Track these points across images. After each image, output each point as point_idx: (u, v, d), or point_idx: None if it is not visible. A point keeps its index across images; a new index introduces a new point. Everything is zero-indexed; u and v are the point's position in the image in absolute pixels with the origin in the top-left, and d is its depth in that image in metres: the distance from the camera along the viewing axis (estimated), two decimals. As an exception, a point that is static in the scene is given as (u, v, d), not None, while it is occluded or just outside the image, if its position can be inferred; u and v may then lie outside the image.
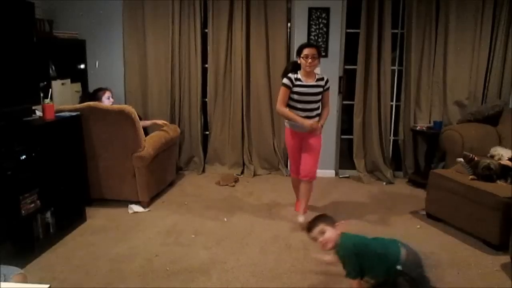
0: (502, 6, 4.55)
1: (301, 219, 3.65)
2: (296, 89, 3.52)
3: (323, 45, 4.84)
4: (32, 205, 3.05)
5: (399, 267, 2.28)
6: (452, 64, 4.77)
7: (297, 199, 4.01)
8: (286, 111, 3.58)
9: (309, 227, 2.48)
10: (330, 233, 2.39)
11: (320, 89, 3.59)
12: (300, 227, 3.53)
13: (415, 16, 4.71)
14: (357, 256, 2.33)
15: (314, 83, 3.55)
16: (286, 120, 3.67)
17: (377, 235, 3.48)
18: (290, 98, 3.56)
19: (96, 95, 4.30)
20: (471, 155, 3.63)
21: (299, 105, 3.55)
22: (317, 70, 3.68)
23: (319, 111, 3.67)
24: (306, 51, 3.44)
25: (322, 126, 3.68)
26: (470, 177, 3.53)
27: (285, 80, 3.53)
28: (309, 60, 3.42)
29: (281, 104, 3.58)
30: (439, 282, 2.82)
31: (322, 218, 2.52)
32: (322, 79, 3.60)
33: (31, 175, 3.05)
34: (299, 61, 3.51)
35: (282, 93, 3.57)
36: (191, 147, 5.28)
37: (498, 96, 4.73)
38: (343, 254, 2.37)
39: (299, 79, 3.52)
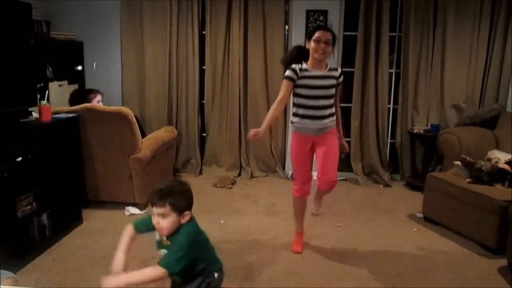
0: (500, 9, 4.56)
1: (315, 208, 3.24)
2: (302, 81, 2.84)
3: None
4: (28, 207, 3.03)
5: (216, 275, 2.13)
6: (450, 68, 4.78)
7: (299, 231, 3.30)
8: (275, 109, 2.88)
9: (154, 200, 1.95)
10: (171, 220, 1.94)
11: (333, 81, 2.91)
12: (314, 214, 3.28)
13: (412, 19, 4.71)
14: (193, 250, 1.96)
15: (325, 73, 2.88)
16: (292, 123, 3.02)
17: (374, 238, 3.52)
18: (297, 94, 2.90)
19: (86, 97, 4.27)
20: (468, 158, 3.63)
21: (309, 102, 2.87)
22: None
23: (333, 110, 2.98)
24: (318, 34, 2.78)
25: (342, 139, 3.12)
26: (467, 180, 3.53)
27: (287, 72, 2.86)
28: (322, 45, 2.76)
29: (278, 101, 2.87)
30: (436, 285, 2.82)
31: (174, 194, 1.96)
32: (335, 69, 2.95)
33: (27, 177, 3.04)
34: (307, 46, 2.85)
35: (283, 87, 2.89)
36: (188, 149, 5.27)
37: (495, 100, 4.74)
38: (180, 242, 1.93)
39: (305, 69, 2.85)
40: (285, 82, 2.88)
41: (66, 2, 4.94)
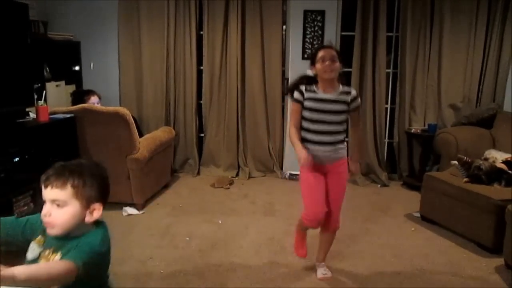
0: (496, 9, 4.58)
1: (323, 272, 2.91)
2: (308, 103, 2.62)
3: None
4: (26, 207, 3.03)
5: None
6: (447, 67, 4.79)
7: (303, 237, 3.00)
8: (292, 135, 2.68)
9: (50, 177, 1.35)
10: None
11: (344, 107, 2.63)
12: (324, 279, 2.88)
13: (410, 19, 4.72)
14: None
15: (334, 97, 2.62)
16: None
17: (371, 237, 3.52)
18: (302, 117, 2.68)
19: (82, 99, 4.26)
20: (465, 158, 3.65)
21: (313, 126, 2.63)
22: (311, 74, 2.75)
23: (342, 137, 2.70)
24: (322, 53, 2.60)
25: (359, 164, 2.86)
26: (464, 179, 3.54)
27: (295, 94, 2.66)
28: (328, 63, 2.56)
29: (291, 125, 2.71)
30: (433, 284, 2.83)
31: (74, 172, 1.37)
32: (348, 92, 2.66)
33: (24, 177, 3.03)
34: (313, 71, 2.65)
35: (292, 111, 2.72)
36: (186, 149, 5.26)
37: (492, 99, 4.76)
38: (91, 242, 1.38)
39: (313, 90, 2.63)
40: (293, 105, 2.71)
41: (63, 2, 4.93)
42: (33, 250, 1.42)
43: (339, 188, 2.73)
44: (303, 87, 2.65)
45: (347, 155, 2.80)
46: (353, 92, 2.69)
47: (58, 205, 1.33)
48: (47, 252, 1.38)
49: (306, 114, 2.64)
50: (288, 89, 2.79)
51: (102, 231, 1.47)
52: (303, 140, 2.67)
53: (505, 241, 2.97)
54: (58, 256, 1.34)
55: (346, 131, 2.73)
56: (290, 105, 2.71)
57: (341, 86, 2.68)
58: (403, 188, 4.87)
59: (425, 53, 4.83)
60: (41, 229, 1.41)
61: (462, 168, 3.62)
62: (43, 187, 1.34)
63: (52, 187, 1.32)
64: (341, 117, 2.65)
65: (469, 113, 4.62)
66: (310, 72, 2.69)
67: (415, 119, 4.98)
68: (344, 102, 2.63)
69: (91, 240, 1.37)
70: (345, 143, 2.74)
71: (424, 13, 4.73)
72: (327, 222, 2.74)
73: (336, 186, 2.71)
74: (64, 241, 1.36)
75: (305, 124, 2.66)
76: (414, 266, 3.06)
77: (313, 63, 2.64)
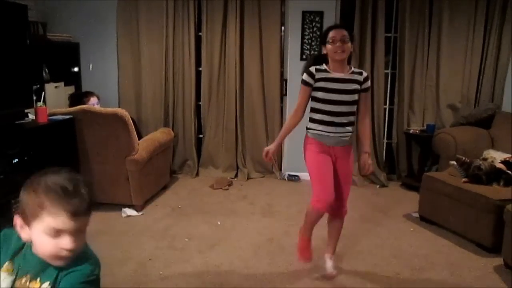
0: (494, 9, 4.60)
1: (331, 267, 2.87)
2: (320, 84, 2.56)
3: (316, 49, 4.85)
4: (24, 209, 3.02)
5: None
6: (445, 68, 4.80)
7: (308, 238, 2.84)
8: (286, 123, 2.75)
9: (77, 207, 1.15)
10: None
11: (357, 86, 2.60)
12: (329, 277, 2.86)
13: (408, 20, 4.73)
14: None
15: (347, 76, 2.59)
16: (309, 129, 2.69)
17: (370, 237, 3.53)
18: (314, 98, 2.61)
19: (80, 101, 4.26)
20: (464, 158, 3.65)
21: (325, 107, 2.57)
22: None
23: (353, 118, 2.66)
24: (332, 33, 2.53)
25: (369, 155, 2.75)
26: (463, 180, 3.54)
27: (304, 76, 2.61)
28: (339, 44, 2.49)
29: (297, 106, 2.68)
30: (433, 284, 2.83)
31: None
32: (360, 73, 2.65)
33: (23, 178, 3.02)
34: (324, 51, 2.61)
35: (300, 94, 2.66)
36: (185, 150, 5.26)
37: (491, 100, 4.77)
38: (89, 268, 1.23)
39: (324, 70, 2.58)
40: (302, 88, 2.63)
41: (62, 4, 4.93)
42: (4, 280, 1.20)
43: (347, 172, 2.71)
44: (313, 69, 2.59)
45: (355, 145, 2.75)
46: (365, 73, 2.66)
47: (78, 233, 1.17)
48: (23, 280, 1.19)
49: (319, 94, 2.58)
50: (303, 70, 2.69)
51: (91, 252, 1.29)
52: (315, 121, 2.63)
53: (504, 240, 2.98)
54: (38, 283, 1.18)
55: (354, 115, 2.68)
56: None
57: (352, 67, 2.66)
58: (402, 188, 4.88)
59: (423, 53, 4.84)
60: (12, 252, 1.23)
61: (461, 168, 3.63)
62: (66, 217, 1.12)
63: (80, 216, 1.15)
64: (354, 97, 2.60)
65: (467, 113, 4.63)
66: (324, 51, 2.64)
67: (414, 120, 4.98)
68: (356, 81, 2.60)
69: (86, 265, 1.22)
70: (354, 126, 2.69)
71: (422, 13, 4.74)
72: (336, 207, 2.72)
73: (344, 170, 2.69)
74: (42, 265, 1.18)
75: (317, 105, 2.60)
76: (413, 266, 3.06)
77: (323, 43, 2.60)
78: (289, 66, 4.96)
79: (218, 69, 5.05)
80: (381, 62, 4.85)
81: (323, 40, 2.61)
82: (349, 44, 2.54)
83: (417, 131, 4.84)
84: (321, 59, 2.65)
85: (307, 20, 4.84)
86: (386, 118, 5.15)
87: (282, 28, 5.01)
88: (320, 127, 2.61)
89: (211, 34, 4.97)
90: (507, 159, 3.66)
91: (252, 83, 5.04)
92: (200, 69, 5.10)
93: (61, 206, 1.12)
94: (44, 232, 1.13)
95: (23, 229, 1.18)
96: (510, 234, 2.91)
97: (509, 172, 3.49)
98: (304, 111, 2.70)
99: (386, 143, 5.21)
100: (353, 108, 2.63)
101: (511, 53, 4.67)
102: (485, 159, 3.77)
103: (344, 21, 4.84)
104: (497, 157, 3.75)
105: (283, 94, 5.09)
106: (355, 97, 2.61)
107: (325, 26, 4.78)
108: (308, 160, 2.68)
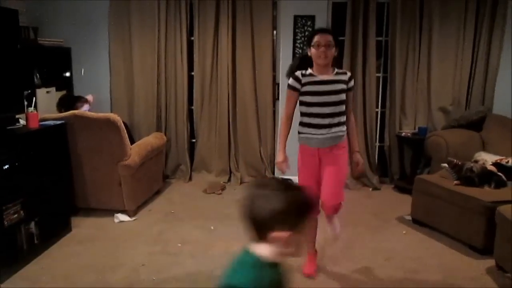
0: (484, 13, 4.64)
1: (332, 229, 2.94)
2: (307, 88, 2.64)
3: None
4: (16, 215, 3.00)
5: None
6: (436, 71, 4.84)
7: (309, 252, 2.97)
8: (282, 131, 2.77)
9: None
10: None
11: (343, 86, 2.66)
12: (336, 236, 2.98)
13: (399, 23, 4.76)
14: None
15: (332, 77, 2.66)
16: (299, 133, 2.76)
17: (363, 240, 3.53)
18: (302, 102, 2.69)
19: (74, 105, 4.24)
20: (455, 160, 3.68)
21: (314, 110, 2.64)
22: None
23: (343, 118, 2.71)
24: (317, 38, 2.58)
25: (360, 154, 2.85)
26: (455, 182, 3.57)
27: (290, 81, 2.69)
28: (322, 49, 2.55)
29: (285, 115, 2.76)
30: (426, 286, 2.85)
31: None
32: (344, 72, 2.72)
33: (14, 185, 3.01)
34: (309, 53, 2.66)
35: (286, 100, 2.73)
36: (178, 155, 5.25)
37: (481, 102, 4.81)
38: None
39: (310, 74, 2.66)
40: (288, 93, 2.70)
41: (53, 9, 4.91)
42: None
43: (338, 170, 2.70)
44: (299, 73, 2.65)
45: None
46: (348, 73, 2.74)
47: None
48: None
49: (307, 98, 2.65)
50: (287, 73, 2.77)
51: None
52: (306, 125, 2.69)
53: (495, 242, 3.00)
54: None
55: (343, 114, 2.71)
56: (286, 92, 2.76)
57: (336, 69, 2.71)
58: (395, 191, 4.90)
59: (414, 57, 4.88)
60: None
61: (453, 170, 3.65)
62: None
63: None
64: (341, 97, 2.65)
65: (459, 116, 4.67)
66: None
67: (406, 123, 5.01)
68: (342, 81, 2.67)
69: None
70: (344, 125, 2.73)
71: (413, 17, 4.78)
72: (329, 207, 2.75)
73: (331, 163, 2.68)
74: None
75: (305, 109, 2.67)
76: (406, 268, 3.07)
77: (309, 45, 2.65)
78: (281, 70, 4.97)
79: (210, 74, 5.05)
80: (372, 66, 4.88)
81: (308, 42, 2.66)
82: (333, 50, 2.60)
83: (409, 134, 4.87)
84: (307, 60, 2.69)
85: (299, 24, 4.86)
86: (378, 121, 5.17)
87: (274, 32, 5.02)
88: (310, 130, 2.67)
89: (203, 39, 4.97)
90: (498, 161, 3.70)
91: (244, 87, 5.04)
92: (193, 73, 5.10)
93: None
94: None
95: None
96: (502, 235, 2.93)
97: (500, 174, 3.53)
98: (293, 116, 2.76)
99: (379, 146, 5.24)
100: (342, 108, 2.67)
101: (501, 56, 4.71)
102: (476, 162, 3.80)
103: (336, 25, 4.88)
104: (488, 159, 3.79)
105: (275, 98, 5.10)
106: (343, 97, 2.66)
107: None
108: (298, 166, 2.81)
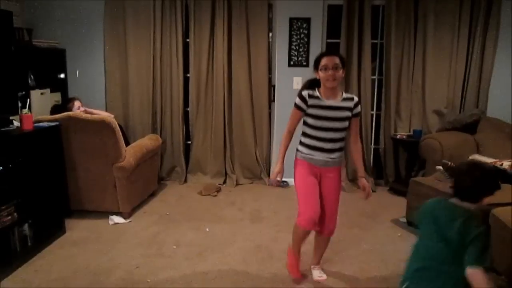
0: (478, 16, 4.68)
1: (318, 274, 2.97)
2: (312, 110, 2.63)
3: (304, 55, 4.88)
4: (9, 217, 2.99)
5: None
6: (431, 74, 4.86)
7: (296, 254, 2.92)
8: (282, 143, 2.78)
9: None
10: None
11: (347, 113, 2.65)
12: (320, 281, 2.93)
13: (394, 26, 4.79)
14: None
15: (338, 103, 2.64)
16: (299, 151, 2.77)
17: (358, 243, 3.54)
18: (306, 123, 2.70)
19: (66, 108, 4.24)
20: (449, 163, 3.69)
21: (316, 133, 2.65)
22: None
23: (343, 144, 2.72)
24: (325, 61, 2.58)
25: (366, 179, 2.89)
26: (449, 184, 3.57)
27: (297, 100, 2.68)
28: (330, 72, 2.55)
29: (287, 130, 2.77)
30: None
31: None
32: (351, 99, 2.69)
33: (8, 187, 2.99)
34: (317, 77, 2.65)
35: (291, 116, 2.74)
36: (173, 157, 5.24)
37: (476, 105, 4.84)
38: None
39: (317, 97, 2.64)
40: (293, 111, 2.71)
41: (48, 10, 4.90)
42: None
43: (332, 191, 2.77)
44: (306, 94, 2.65)
45: (344, 164, 2.82)
46: (356, 98, 2.71)
47: None
48: None
49: (310, 121, 2.66)
50: (298, 93, 2.73)
51: None
52: (304, 145, 2.73)
53: (490, 245, 3.00)
54: None
55: (343, 140, 2.73)
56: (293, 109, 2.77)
57: (343, 93, 2.71)
58: (390, 193, 4.91)
59: (409, 59, 4.90)
60: None
61: (447, 173, 3.66)
62: None
63: None
64: (344, 124, 2.66)
65: (453, 119, 4.69)
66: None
67: (401, 125, 5.03)
68: (347, 108, 2.65)
69: None
70: (343, 151, 2.77)
71: (408, 20, 4.81)
72: (322, 225, 2.79)
73: (329, 189, 2.75)
74: None
75: (308, 131, 2.69)
76: (401, 271, 3.06)
77: (316, 69, 2.65)
78: (277, 72, 4.99)
79: (206, 76, 5.04)
80: (367, 68, 4.90)
81: (316, 66, 2.65)
82: (341, 72, 2.59)
83: (404, 137, 4.89)
84: (316, 82, 2.70)
85: (295, 27, 4.87)
86: (373, 124, 5.19)
87: (270, 34, 5.03)
88: (310, 151, 2.70)
89: (199, 41, 4.97)
90: (492, 163, 3.71)
91: (240, 89, 5.04)
92: (188, 75, 5.09)
93: None
94: None
95: None
96: (496, 238, 2.94)
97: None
98: (294, 130, 2.78)
99: (374, 148, 5.25)
100: (343, 134, 2.69)
101: (495, 59, 4.75)
102: (470, 164, 3.80)
103: (331, 28, 4.89)
104: (482, 161, 3.80)
105: (271, 100, 5.11)
106: (346, 124, 2.67)
107: (312, 33, 4.84)
108: (297, 181, 2.76)
